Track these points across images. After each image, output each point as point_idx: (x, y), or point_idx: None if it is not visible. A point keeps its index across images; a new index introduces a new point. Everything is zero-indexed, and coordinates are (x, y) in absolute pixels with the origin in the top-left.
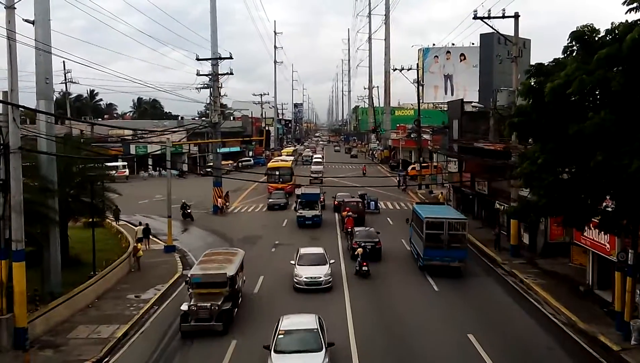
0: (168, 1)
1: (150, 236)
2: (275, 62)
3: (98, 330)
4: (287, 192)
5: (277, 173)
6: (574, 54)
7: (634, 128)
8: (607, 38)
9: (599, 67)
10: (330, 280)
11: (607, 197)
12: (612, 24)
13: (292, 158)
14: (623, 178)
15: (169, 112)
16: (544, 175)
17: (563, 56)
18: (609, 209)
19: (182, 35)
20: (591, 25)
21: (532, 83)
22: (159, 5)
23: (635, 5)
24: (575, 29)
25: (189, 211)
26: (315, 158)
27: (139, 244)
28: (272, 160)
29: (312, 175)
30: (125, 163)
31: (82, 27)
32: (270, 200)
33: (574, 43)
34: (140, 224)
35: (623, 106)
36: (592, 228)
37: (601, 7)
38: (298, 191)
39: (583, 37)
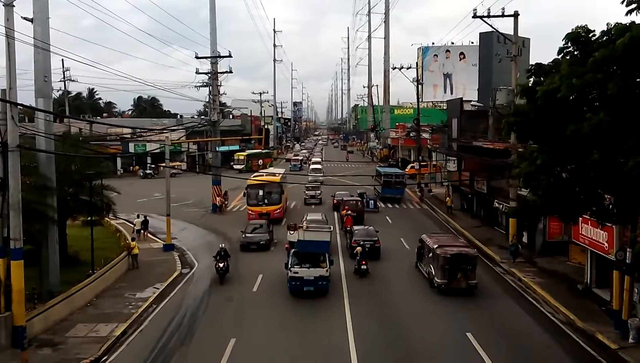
0: (178, 1)
1: (148, 232)
2: (274, 60)
3: (96, 329)
4: (274, 218)
5: (261, 191)
6: (569, 56)
7: (630, 128)
8: (603, 39)
9: (593, 70)
10: None
11: (605, 194)
12: (607, 24)
13: (282, 171)
14: (619, 176)
15: (168, 111)
16: (542, 176)
17: (559, 57)
18: (606, 202)
19: (188, 34)
20: (586, 27)
21: (529, 84)
22: (167, 4)
23: (634, 6)
24: (570, 31)
25: (222, 266)
26: (313, 162)
27: (133, 242)
28: (254, 174)
29: (307, 192)
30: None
31: (91, 25)
32: (244, 236)
33: (569, 44)
34: (138, 216)
35: (619, 108)
36: (590, 227)
37: (602, 6)
38: (291, 236)
39: (579, 38)
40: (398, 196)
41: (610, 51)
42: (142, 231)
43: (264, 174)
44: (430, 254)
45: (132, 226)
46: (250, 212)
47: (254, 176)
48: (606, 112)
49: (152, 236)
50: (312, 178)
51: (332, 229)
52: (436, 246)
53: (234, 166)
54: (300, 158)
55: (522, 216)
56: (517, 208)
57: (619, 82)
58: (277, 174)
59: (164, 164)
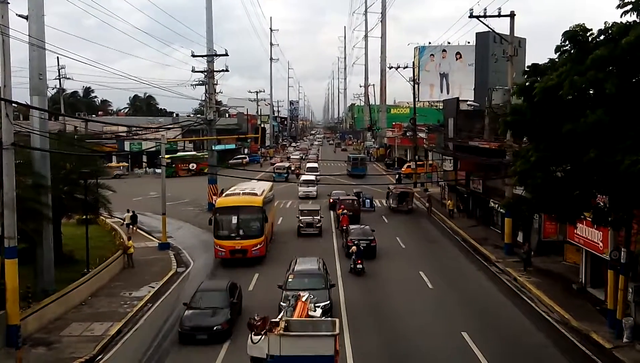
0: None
1: (137, 226)
2: (271, 59)
3: (91, 328)
4: (252, 257)
5: (234, 218)
6: (567, 54)
7: (627, 127)
8: (601, 38)
9: (593, 68)
10: None
11: (599, 194)
12: (605, 23)
13: (266, 185)
14: (615, 175)
15: (164, 109)
16: (537, 173)
17: (557, 56)
18: (601, 204)
19: (187, 33)
20: (583, 25)
21: (526, 83)
22: (166, 3)
23: (629, 7)
24: (568, 29)
25: None
26: (308, 169)
27: (130, 241)
28: (225, 193)
29: (301, 218)
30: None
31: (89, 24)
32: (186, 312)
33: (567, 43)
34: (128, 211)
35: (617, 107)
36: (585, 226)
37: (599, 6)
38: (255, 347)
39: (576, 37)
40: (362, 173)
41: (611, 50)
42: (131, 225)
43: (240, 194)
44: (390, 193)
45: (122, 220)
46: (218, 248)
47: (225, 195)
48: (604, 110)
49: (146, 234)
50: (304, 192)
51: (337, 331)
52: (393, 188)
53: (156, 170)
54: (287, 164)
55: (515, 212)
56: (510, 202)
57: (616, 81)
58: (258, 194)
59: (110, 165)
